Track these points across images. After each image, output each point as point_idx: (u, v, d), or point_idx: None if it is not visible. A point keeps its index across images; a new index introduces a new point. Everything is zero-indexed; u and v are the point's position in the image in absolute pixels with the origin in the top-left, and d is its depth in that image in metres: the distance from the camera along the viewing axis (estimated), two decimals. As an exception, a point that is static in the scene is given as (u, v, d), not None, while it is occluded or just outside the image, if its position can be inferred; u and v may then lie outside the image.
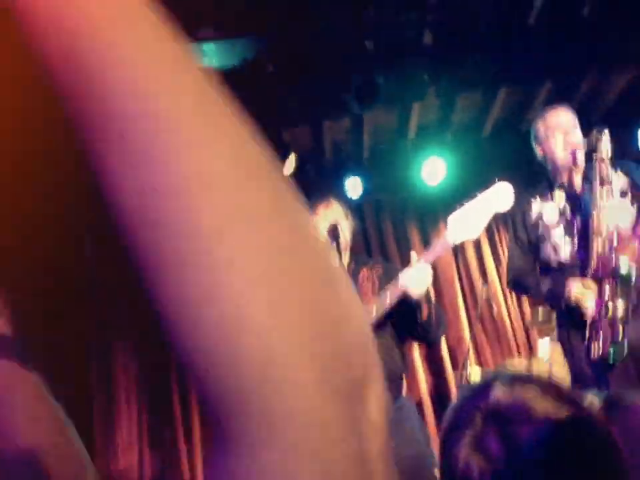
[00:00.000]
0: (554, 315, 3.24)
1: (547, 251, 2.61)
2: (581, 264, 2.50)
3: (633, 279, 2.34)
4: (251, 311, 0.25)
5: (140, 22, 0.26)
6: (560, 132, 2.57)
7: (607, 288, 2.37)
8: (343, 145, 4.45)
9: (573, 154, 2.52)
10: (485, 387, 0.68)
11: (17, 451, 0.52)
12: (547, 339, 3.61)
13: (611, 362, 2.32)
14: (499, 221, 4.57)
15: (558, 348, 3.06)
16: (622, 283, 2.34)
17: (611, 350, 2.33)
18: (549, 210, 2.64)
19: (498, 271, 4.72)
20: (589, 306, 2.38)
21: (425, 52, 3.44)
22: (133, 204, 0.25)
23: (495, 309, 4.53)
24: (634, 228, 2.42)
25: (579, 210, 2.55)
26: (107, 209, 0.26)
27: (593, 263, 2.41)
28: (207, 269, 0.25)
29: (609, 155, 2.44)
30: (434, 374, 4.57)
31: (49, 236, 3.46)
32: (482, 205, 2.28)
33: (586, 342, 2.40)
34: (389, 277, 2.34)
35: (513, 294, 4.55)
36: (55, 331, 3.58)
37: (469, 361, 3.94)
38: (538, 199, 2.68)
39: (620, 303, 2.34)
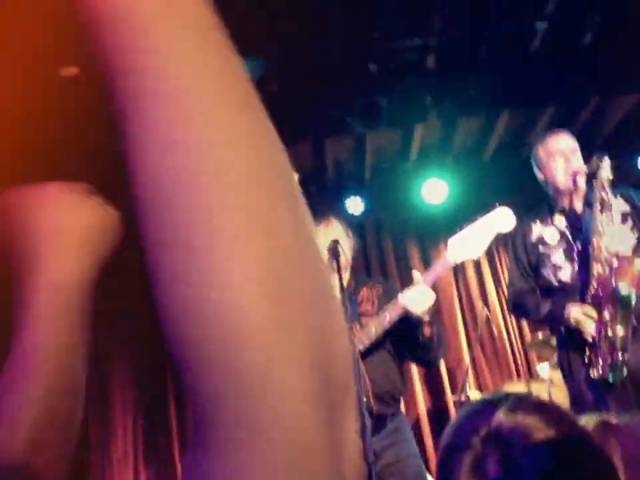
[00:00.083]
0: (553, 340, 3.24)
1: (547, 273, 2.62)
2: (581, 287, 2.50)
3: (633, 303, 2.34)
4: (254, 322, 0.25)
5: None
6: (561, 157, 2.59)
7: (607, 312, 2.37)
8: (345, 164, 4.48)
9: (574, 179, 2.54)
10: (486, 408, 0.68)
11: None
12: (546, 363, 3.60)
13: (610, 383, 2.31)
14: (500, 243, 4.58)
15: (557, 371, 3.05)
16: (622, 307, 2.35)
17: (610, 373, 2.32)
18: (549, 233, 2.65)
19: (498, 292, 4.72)
20: (589, 329, 2.38)
21: (428, 75, 3.48)
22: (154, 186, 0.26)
23: (495, 330, 4.52)
24: (633, 253, 2.43)
25: (579, 234, 2.56)
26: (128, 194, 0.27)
27: (593, 287, 2.42)
28: (211, 279, 0.25)
29: (610, 180, 2.46)
30: (433, 394, 4.54)
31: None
32: (483, 228, 2.29)
33: (585, 365, 2.40)
34: (388, 296, 2.34)
35: (513, 316, 4.55)
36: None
37: (467, 383, 3.92)
38: (538, 222, 2.69)
39: (619, 327, 2.34)
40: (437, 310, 4.30)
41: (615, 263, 2.37)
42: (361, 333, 2.26)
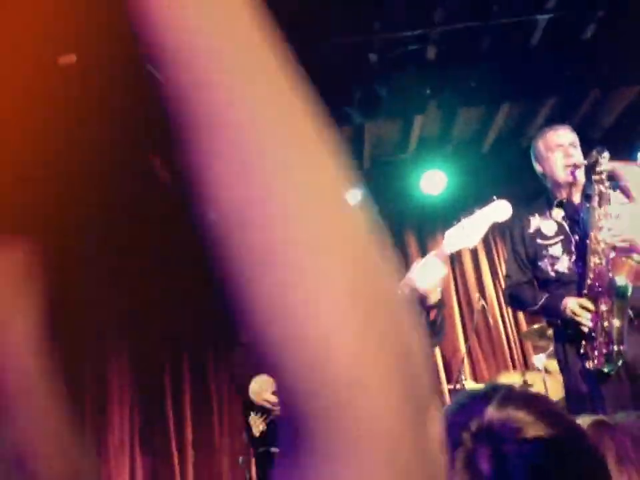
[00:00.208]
0: (549, 331, 3.25)
1: (545, 265, 2.63)
2: (578, 279, 2.52)
3: (629, 294, 2.36)
4: (339, 339, 0.26)
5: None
6: (560, 150, 2.59)
7: (603, 304, 2.38)
8: (343, 154, 4.46)
9: (573, 172, 2.55)
10: (476, 403, 0.68)
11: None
12: (542, 355, 3.62)
13: (606, 374, 2.33)
14: (497, 235, 4.59)
15: (553, 362, 3.07)
16: (618, 298, 2.36)
17: (606, 365, 2.34)
18: (547, 226, 2.66)
19: (495, 284, 4.73)
20: (585, 321, 2.40)
21: (428, 65, 3.47)
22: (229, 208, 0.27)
23: (491, 321, 4.54)
24: (631, 246, 2.43)
25: (577, 227, 2.57)
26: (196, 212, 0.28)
27: (590, 279, 2.43)
28: (298, 293, 0.27)
29: (608, 173, 2.46)
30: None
31: (47, 235, 3.46)
32: (479, 219, 2.29)
33: (581, 357, 2.42)
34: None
35: (510, 308, 4.57)
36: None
37: (463, 373, 3.94)
38: (537, 214, 2.70)
39: (616, 319, 2.36)
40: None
41: (612, 255, 2.38)
42: None
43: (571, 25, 3.32)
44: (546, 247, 2.63)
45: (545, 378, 3.51)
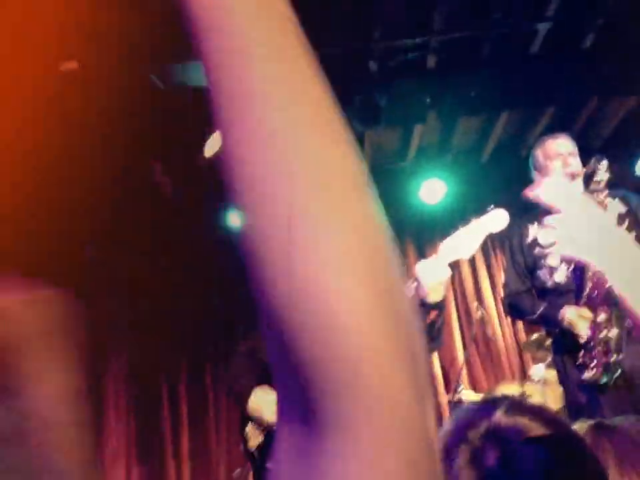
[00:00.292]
0: (548, 341, 3.25)
1: (543, 275, 2.63)
2: (576, 288, 2.51)
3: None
4: (352, 317, 0.27)
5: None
6: (559, 159, 2.60)
7: (602, 313, 2.38)
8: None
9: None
10: (484, 407, 0.70)
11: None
12: (541, 365, 3.60)
13: (604, 385, 2.33)
14: (496, 244, 4.59)
15: (552, 373, 3.06)
16: (616, 308, 2.35)
17: (604, 375, 2.33)
18: (545, 235, 2.65)
19: (493, 293, 4.73)
20: (582, 331, 2.39)
21: (428, 74, 3.48)
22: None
23: (490, 330, 4.53)
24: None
25: (576, 236, 2.56)
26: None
27: (588, 288, 2.43)
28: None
29: (607, 182, 2.47)
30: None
31: (48, 236, 3.46)
32: (476, 229, 2.28)
33: (579, 366, 2.41)
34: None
35: (508, 316, 4.56)
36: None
37: (461, 382, 3.93)
38: (535, 223, 2.70)
39: (614, 328, 2.35)
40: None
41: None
42: None
43: (571, 33, 3.34)
44: (545, 255, 2.63)
45: (543, 389, 3.49)
